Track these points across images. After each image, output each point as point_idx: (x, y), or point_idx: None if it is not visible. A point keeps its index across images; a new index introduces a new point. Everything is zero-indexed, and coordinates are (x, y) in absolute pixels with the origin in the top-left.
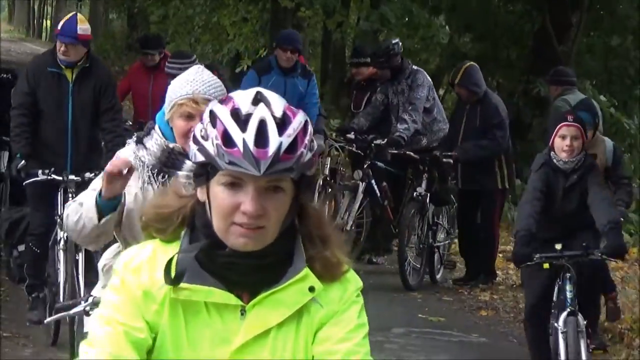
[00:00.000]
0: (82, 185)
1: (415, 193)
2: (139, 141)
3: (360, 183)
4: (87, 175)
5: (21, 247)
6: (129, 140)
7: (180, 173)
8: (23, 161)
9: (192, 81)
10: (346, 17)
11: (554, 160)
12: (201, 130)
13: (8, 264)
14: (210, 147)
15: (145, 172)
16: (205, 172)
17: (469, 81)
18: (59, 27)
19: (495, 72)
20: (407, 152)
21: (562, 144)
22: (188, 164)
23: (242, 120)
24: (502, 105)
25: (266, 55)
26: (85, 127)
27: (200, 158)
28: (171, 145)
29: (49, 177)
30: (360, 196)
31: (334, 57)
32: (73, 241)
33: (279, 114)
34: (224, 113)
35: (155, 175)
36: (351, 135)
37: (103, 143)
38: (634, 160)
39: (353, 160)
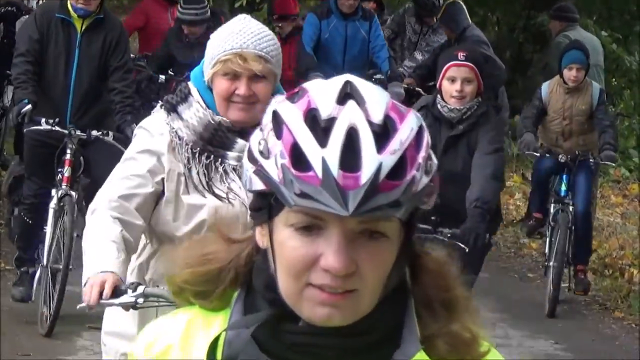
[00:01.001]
0: (87, 144)
1: None
2: (172, 108)
3: None
4: (94, 132)
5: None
6: (156, 108)
7: (230, 154)
8: (29, 105)
9: (238, 33)
10: None
11: (438, 106)
12: (259, 143)
13: (9, 222)
14: (272, 169)
15: (184, 152)
16: (266, 205)
17: (448, 19)
18: None
19: (496, 7)
20: (417, 89)
21: (451, 88)
22: (240, 142)
23: (321, 129)
24: (483, 39)
25: None
26: (90, 83)
27: (259, 185)
28: (217, 118)
29: (53, 128)
30: None
31: None
32: (74, 202)
33: (378, 117)
34: (293, 116)
35: (198, 155)
36: None
37: (112, 104)
38: (634, 97)
39: None
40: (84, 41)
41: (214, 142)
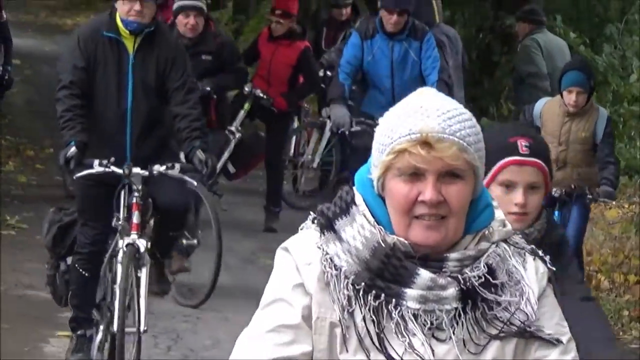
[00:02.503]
0: (150, 182)
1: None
2: (328, 225)
3: (328, 121)
4: (156, 168)
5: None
6: (306, 223)
7: (408, 292)
8: (74, 148)
9: (417, 111)
10: None
11: None
12: None
13: (53, 280)
14: None
15: (343, 290)
16: None
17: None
18: None
19: (464, 5)
20: None
21: (508, 199)
22: (424, 276)
23: None
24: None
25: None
26: (149, 110)
27: None
28: (390, 238)
29: (108, 170)
30: (327, 134)
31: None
32: (145, 254)
33: None
34: None
35: (361, 294)
36: (320, 73)
37: (178, 132)
38: (600, 99)
39: (320, 97)
40: (137, 61)
41: (385, 275)
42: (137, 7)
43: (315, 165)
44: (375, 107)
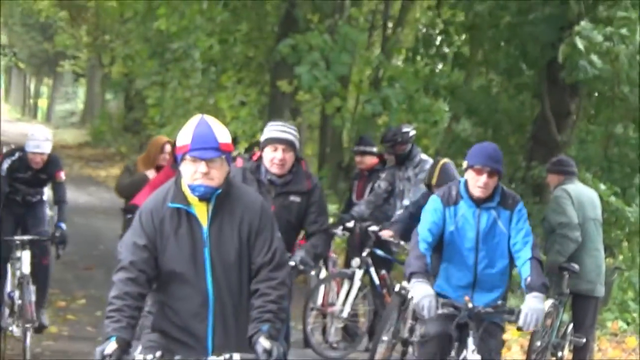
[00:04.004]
0: None
1: (399, 286)
2: None
3: (358, 270)
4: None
5: None
6: None
7: None
8: (114, 344)
9: None
10: (344, 101)
11: None
12: None
13: None
14: None
15: None
16: None
17: (447, 179)
18: (186, 140)
19: None
20: (402, 243)
21: None
22: None
23: None
24: None
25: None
26: (231, 292)
27: None
28: None
29: None
30: (357, 284)
31: (332, 141)
32: None
33: None
34: None
35: None
36: (350, 224)
37: (251, 309)
38: (632, 249)
39: (349, 247)
40: (213, 235)
41: None
42: (202, 168)
43: (345, 315)
44: (453, 287)
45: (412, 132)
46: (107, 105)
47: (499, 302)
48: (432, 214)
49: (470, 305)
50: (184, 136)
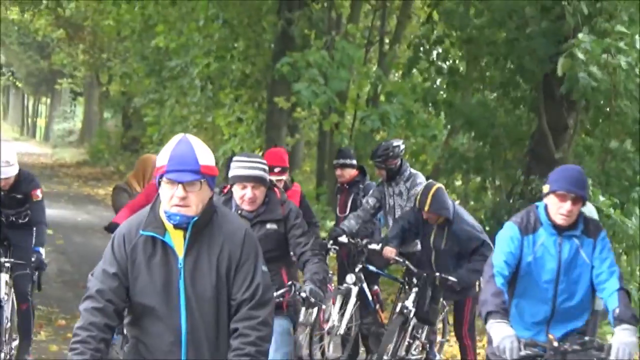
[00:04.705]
0: None
1: (401, 306)
2: None
3: (354, 287)
4: None
5: None
6: None
7: None
8: None
9: None
10: (342, 118)
11: None
12: None
13: None
14: None
15: None
16: None
17: (439, 206)
18: (163, 160)
19: (496, 173)
20: (406, 262)
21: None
22: None
23: None
24: (472, 219)
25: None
26: (207, 331)
27: None
28: None
29: None
30: (353, 300)
31: (330, 157)
32: None
33: None
34: None
35: None
36: (344, 239)
37: (229, 351)
38: (631, 262)
39: (341, 263)
40: (189, 265)
41: None
42: (179, 192)
43: (342, 331)
44: (526, 323)
45: (402, 146)
46: (105, 123)
47: (587, 337)
48: (508, 243)
49: (555, 344)
50: (162, 156)
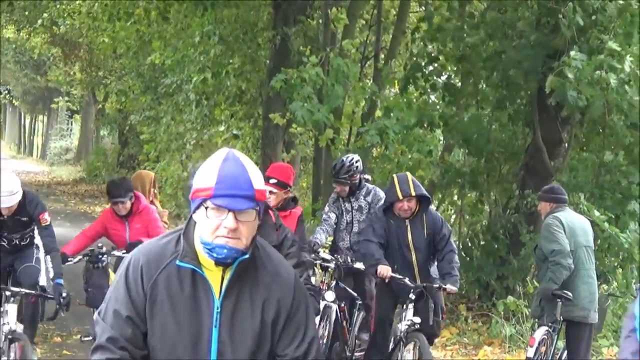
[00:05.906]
0: None
1: (407, 322)
2: None
3: (333, 305)
4: None
5: None
6: None
7: None
8: None
9: None
10: (338, 133)
11: None
12: None
13: None
14: None
15: None
16: None
17: (421, 188)
18: (209, 181)
19: (491, 187)
20: (404, 279)
21: None
22: None
23: None
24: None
25: None
26: None
27: None
28: None
29: None
30: (333, 316)
31: (326, 173)
32: None
33: None
34: None
35: None
36: (327, 255)
37: None
38: (626, 275)
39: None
40: (228, 310)
41: None
42: (229, 222)
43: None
44: None
45: (360, 161)
46: (102, 141)
47: None
48: None
49: None
50: (206, 176)
